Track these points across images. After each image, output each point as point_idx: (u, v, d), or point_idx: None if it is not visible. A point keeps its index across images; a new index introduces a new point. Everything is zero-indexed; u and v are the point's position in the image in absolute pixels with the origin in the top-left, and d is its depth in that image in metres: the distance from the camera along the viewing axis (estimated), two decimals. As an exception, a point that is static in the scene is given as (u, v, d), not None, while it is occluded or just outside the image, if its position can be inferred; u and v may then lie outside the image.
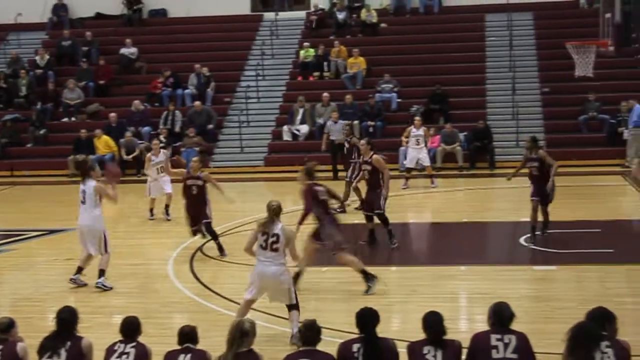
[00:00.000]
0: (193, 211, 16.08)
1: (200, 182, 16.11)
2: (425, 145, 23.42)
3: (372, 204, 15.86)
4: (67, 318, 8.01)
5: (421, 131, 23.13)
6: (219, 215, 16.94)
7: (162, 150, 20.60)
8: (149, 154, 20.45)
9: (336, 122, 25.37)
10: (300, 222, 13.00)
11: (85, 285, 13.95)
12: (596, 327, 7.30)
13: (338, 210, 15.97)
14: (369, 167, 15.98)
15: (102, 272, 13.89)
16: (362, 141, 16.77)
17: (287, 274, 10.80)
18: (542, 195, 15.87)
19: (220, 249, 15.79)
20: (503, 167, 25.61)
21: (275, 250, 10.58)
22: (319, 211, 13.07)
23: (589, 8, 30.48)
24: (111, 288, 13.85)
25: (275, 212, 10.68)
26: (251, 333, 7.54)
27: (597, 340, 7.20)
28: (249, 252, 10.92)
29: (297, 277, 12.66)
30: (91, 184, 13.91)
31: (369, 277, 13.07)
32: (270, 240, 10.56)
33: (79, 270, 14.04)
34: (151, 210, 19.84)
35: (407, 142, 23.51)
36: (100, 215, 14.03)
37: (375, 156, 15.93)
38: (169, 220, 19.44)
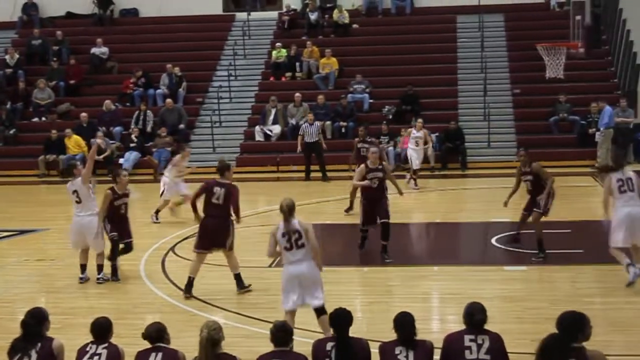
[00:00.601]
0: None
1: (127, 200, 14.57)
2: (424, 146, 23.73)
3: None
4: (37, 319, 7.97)
5: (421, 133, 23.29)
6: (190, 216, 16.81)
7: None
8: (177, 157, 19.98)
9: (312, 124, 25.40)
10: None
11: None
12: (566, 341, 7.16)
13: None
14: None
15: (101, 268, 14.16)
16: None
17: (317, 268, 10.54)
18: (532, 210, 15.25)
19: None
20: (474, 168, 25.82)
21: (302, 246, 10.32)
22: None
23: (559, 10, 30.65)
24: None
25: (289, 210, 10.41)
26: (221, 339, 7.51)
27: (565, 356, 7.09)
28: (273, 255, 10.81)
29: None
30: (79, 180, 14.01)
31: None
32: (294, 238, 10.31)
33: (100, 268, 14.20)
34: (157, 212, 19.52)
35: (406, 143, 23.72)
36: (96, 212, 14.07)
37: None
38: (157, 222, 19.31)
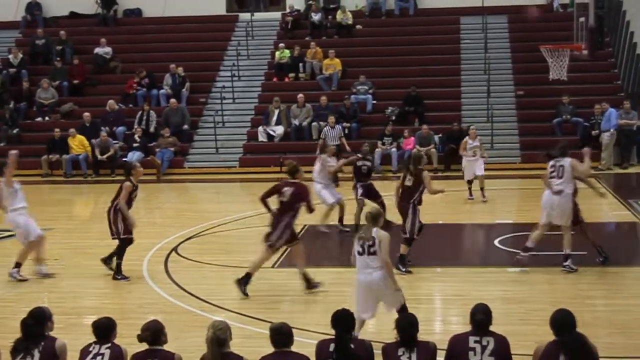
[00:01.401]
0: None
1: None
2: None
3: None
4: (41, 319, 7.96)
5: (477, 142, 21.87)
6: (195, 216, 16.88)
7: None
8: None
9: (333, 127, 25.21)
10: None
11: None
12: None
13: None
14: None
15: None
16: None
17: (386, 277, 10.38)
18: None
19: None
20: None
21: (374, 253, 10.26)
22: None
23: (562, 11, 30.62)
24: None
25: (374, 219, 10.41)
26: (227, 339, 7.50)
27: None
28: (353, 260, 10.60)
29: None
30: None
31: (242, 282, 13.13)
32: (367, 244, 10.26)
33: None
34: None
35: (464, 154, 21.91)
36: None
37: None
38: None
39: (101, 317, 8.09)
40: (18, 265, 14.50)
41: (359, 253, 10.32)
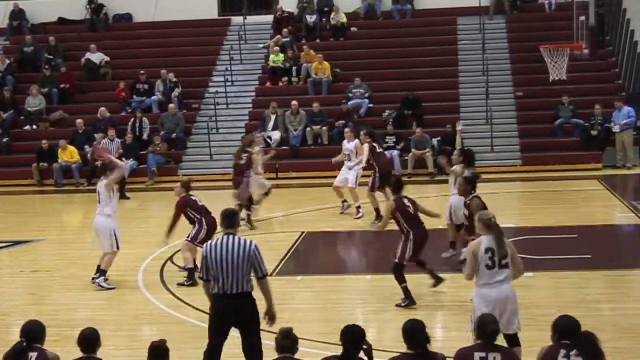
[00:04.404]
0: None
1: None
2: None
3: None
4: (33, 331, 7.73)
5: None
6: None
7: (356, 139, 19.81)
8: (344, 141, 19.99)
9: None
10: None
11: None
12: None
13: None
14: None
15: (102, 272, 14.24)
16: None
17: (515, 295, 9.60)
18: None
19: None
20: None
21: (506, 266, 9.43)
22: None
23: (561, 11, 30.36)
24: (112, 288, 14.21)
25: (492, 225, 9.55)
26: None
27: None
28: (470, 278, 9.74)
29: None
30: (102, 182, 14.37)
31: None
32: (498, 256, 9.43)
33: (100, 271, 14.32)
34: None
35: None
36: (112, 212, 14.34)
37: None
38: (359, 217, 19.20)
39: (85, 327, 7.90)
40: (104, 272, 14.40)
41: (487, 267, 9.44)
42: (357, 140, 19.72)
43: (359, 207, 19.31)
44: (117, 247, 14.31)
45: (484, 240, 9.44)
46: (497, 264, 9.38)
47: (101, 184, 14.29)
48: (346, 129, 21.66)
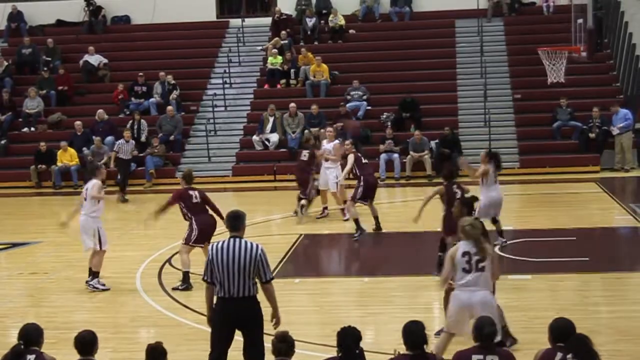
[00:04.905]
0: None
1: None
2: None
3: None
4: (30, 334, 7.74)
5: None
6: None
7: (336, 140, 20.01)
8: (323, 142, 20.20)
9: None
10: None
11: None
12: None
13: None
14: None
15: (94, 274, 14.27)
16: None
17: (494, 299, 9.66)
18: None
19: None
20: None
21: (482, 269, 9.37)
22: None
23: (559, 14, 30.38)
24: (107, 289, 14.25)
25: (483, 231, 9.71)
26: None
27: None
28: (444, 282, 9.87)
29: None
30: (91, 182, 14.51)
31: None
32: (475, 259, 9.39)
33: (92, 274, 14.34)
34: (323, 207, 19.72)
35: None
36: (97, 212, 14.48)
37: None
38: (346, 220, 19.16)
39: (82, 330, 7.90)
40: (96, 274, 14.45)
41: (464, 270, 9.42)
42: (337, 142, 19.80)
43: (343, 209, 19.35)
44: (101, 247, 14.31)
45: (462, 245, 9.46)
46: (474, 267, 9.36)
47: (90, 185, 14.40)
48: (328, 129, 21.22)
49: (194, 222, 14.24)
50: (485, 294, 9.40)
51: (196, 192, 14.44)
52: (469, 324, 8.91)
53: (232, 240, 8.94)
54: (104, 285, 14.32)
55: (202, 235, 14.03)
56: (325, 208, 19.93)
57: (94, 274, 14.30)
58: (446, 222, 13.62)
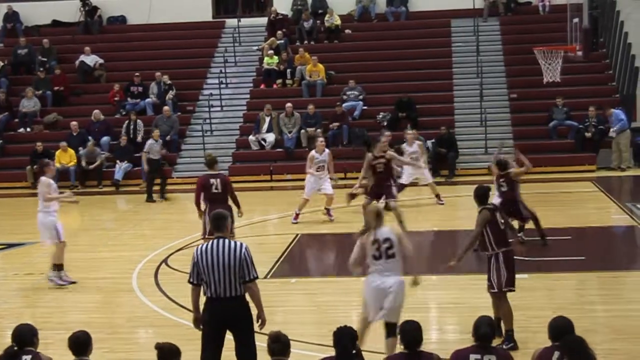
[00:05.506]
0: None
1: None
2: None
3: None
4: (23, 335, 7.75)
5: (416, 147, 21.61)
6: (184, 227, 16.69)
7: (326, 149, 19.74)
8: (312, 152, 19.70)
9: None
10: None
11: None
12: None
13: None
14: None
15: (57, 267, 14.50)
16: None
17: (404, 286, 9.87)
18: None
19: None
20: (467, 175, 25.36)
21: (392, 256, 9.72)
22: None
23: (555, 13, 30.40)
24: (74, 282, 14.45)
25: (378, 216, 9.86)
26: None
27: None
28: (354, 266, 10.02)
29: None
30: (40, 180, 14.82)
31: None
32: (384, 246, 9.69)
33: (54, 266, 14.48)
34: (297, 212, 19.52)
35: None
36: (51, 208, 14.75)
37: None
38: (331, 220, 19.33)
39: (76, 330, 7.90)
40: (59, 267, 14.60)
41: (374, 257, 9.78)
42: (328, 151, 19.74)
43: (329, 210, 19.61)
44: (60, 238, 14.55)
45: (372, 233, 9.75)
46: (383, 254, 9.70)
47: (40, 182, 14.79)
48: (320, 139, 20.86)
49: (206, 215, 14.27)
50: (396, 279, 9.75)
51: (218, 181, 14.60)
52: (378, 311, 9.67)
53: (216, 241, 8.93)
54: (69, 279, 14.53)
55: None
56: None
57: (56, 267, 14.46)
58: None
